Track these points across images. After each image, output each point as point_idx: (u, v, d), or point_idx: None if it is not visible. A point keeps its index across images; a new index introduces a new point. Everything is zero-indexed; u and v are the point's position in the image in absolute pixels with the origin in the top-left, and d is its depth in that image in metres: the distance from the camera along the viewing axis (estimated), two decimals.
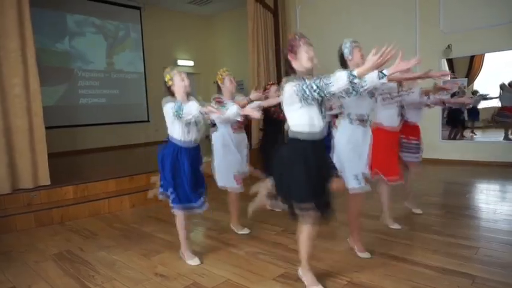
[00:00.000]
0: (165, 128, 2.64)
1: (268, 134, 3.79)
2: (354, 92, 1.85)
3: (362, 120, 2.46)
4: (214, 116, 2.61)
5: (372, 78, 1.81)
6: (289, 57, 2.04)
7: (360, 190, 2.47)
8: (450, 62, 6.11)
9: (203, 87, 10.19)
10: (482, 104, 6.08)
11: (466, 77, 6.04)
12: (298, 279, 2.25)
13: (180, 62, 9.81)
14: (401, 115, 3.05)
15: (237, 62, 9.03)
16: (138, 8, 8.93)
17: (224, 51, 10.24)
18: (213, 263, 2.60)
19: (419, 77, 2.69)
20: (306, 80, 1.90)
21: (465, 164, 5.80)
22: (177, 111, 2.35)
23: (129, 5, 8.71)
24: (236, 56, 9.40)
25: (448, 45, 5.90)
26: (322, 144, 2.09)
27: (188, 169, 2.54)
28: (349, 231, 2.73)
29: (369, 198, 4.03)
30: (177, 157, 2.54)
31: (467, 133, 6.21)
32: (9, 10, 3.88)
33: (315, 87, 1.84)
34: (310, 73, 2.03)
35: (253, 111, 2.35)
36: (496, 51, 5.64)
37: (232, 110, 2.39)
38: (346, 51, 2.45)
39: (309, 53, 2.00)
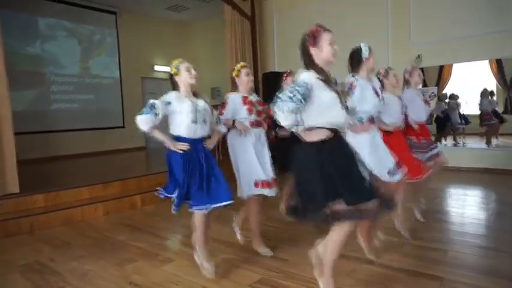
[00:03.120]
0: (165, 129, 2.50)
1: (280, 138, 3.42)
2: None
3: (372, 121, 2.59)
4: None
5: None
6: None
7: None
8: (421, 71, 6.34)
9: None
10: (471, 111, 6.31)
11: (436, 86, 6.30)
12: (275, 286, 2.27)
13: (157, 68, 9.71)
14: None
15: (214, 69, 9.04)
16: (114, 13, 8.79)
17: (201, 58, 10.21)
18: (189, 270, 2.57)
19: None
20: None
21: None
22: (147, 106, 2.29)
23: (104, 9, 8.57)
24: (213, 63, 9.40)
25: (418, 55, 6.14)
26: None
27: (199, 163, 2.38)
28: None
29: None
30: (186, 154, 2.35)
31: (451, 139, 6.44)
32: None
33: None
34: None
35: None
36: (462, 62, 5.92)
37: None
38: (365, 53, 2.55)
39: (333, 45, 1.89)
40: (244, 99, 2.83)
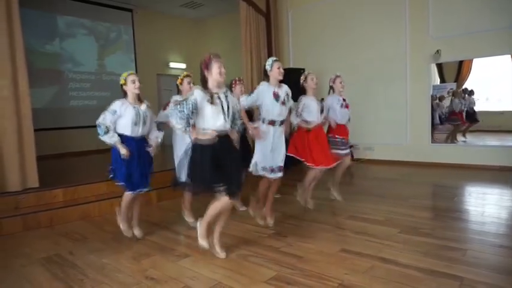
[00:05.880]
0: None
1: None
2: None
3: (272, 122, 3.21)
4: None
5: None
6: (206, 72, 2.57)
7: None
8: (439, 67, 6.21)
9: None
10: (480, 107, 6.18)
11: (455, 82, 6.14)
12: (290, 283, 2.27)
13: (172, 65, 9.79)
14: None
15: (229, 66, 8.96)
16: (130, 10, 8.89)
17: None
18: (204, 266, 2.59)
19: None
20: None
21: (454, 168, 5.89)
22: (98, 125, 2.94)
23: (120, 7, 8.67)
24: (228, 60, 9.33)
25: (437, 51, 5.99)
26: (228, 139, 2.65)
27: (137, 156, 3.04)
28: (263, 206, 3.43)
29: (357, 201, 4.08)
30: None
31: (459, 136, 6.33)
32: None
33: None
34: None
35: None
36: (483, 57, 5.75)
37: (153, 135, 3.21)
38: (267, 67, 3.22)
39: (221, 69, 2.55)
40: None
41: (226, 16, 9.40)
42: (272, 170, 3.21)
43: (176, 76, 3.76)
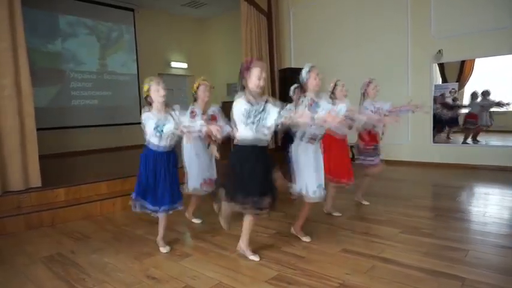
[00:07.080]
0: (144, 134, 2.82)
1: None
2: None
3: (313, 139, 2.82)
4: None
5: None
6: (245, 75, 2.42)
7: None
8: (441, 66, 6.19)
9: None
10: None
11: (457, 82, 6.12)
12: (291, 282, 2.27)
13: (174, 64, 9.79)
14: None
15: (231, 65, 9.05)
16: (132, 10, 8.90)
17: (218, 53, 10.25)
18: (205, 265, 2.60)
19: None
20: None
21: (456, 168, 5.88)
22: (155, 129, 2.64)
23: (122, 6, 8.68)
24: (230, 59, 9.41)
25: (439, 50, 5.98)
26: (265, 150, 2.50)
27: (164, 173, 2.81)
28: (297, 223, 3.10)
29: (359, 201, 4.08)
30: (155, 162, 2.80)
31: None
32: (0, 10, 3.85)
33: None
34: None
35: (215, 129, 2.54)
36: (486, 57, 5.73)
37: (196, 125, 2.66)
38: (303, 75, 2.79)
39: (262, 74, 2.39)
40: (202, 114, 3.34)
41: (228, 15, 9.41)
42: (314, 191, 2.83)
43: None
